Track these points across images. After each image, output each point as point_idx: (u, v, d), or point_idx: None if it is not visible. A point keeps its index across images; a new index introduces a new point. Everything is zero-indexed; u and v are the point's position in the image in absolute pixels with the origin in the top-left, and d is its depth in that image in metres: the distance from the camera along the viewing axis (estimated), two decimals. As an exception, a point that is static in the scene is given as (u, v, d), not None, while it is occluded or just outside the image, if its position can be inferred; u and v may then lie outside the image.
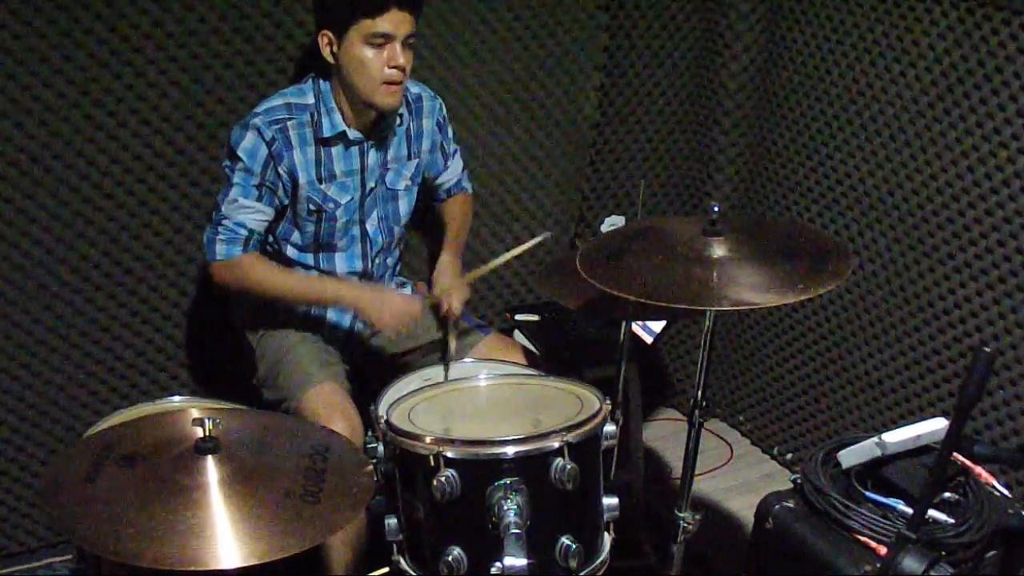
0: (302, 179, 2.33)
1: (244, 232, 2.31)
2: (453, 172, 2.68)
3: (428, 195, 2.67)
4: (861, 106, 2.75)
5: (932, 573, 1.68)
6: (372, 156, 2.42)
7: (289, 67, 2.62)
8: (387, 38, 2.22)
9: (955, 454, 1.87)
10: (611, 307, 2.26)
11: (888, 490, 1.94)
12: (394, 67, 2.24)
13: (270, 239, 2.44)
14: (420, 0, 2.28)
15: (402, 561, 1.95)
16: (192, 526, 1.53)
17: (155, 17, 2.43)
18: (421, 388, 2.10)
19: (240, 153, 2.27)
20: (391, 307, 2.34)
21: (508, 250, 2.52)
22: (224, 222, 2.30)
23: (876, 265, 2.80)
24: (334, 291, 2.41)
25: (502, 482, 1.80)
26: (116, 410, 2.22)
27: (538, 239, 2.48)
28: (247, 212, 2.31)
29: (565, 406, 1.98)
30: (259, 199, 2.31)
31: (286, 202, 2.37)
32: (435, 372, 2.30)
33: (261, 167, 2.29)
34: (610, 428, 1.94)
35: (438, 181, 2.66)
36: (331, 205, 2.39)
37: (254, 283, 2.36)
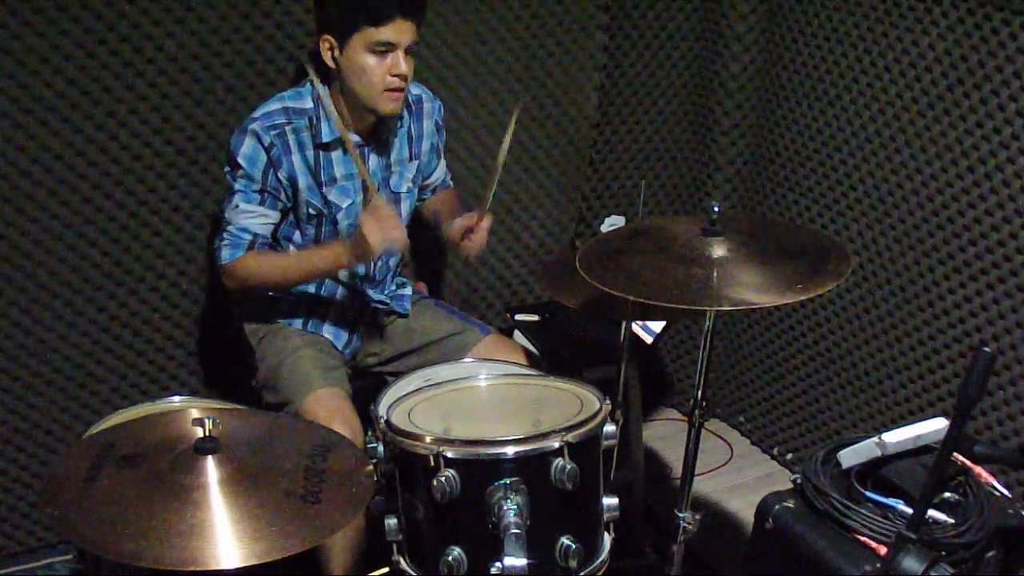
0: (301, 183, 2.33)
1: (248, 236, 2.32)
2: (441, 172, 2.68)
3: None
4: (861, 106, 2.75)
5: (932, 573, 1.67)
6: (373, 160, 2.42)
7: (289, 67, 2.62)
8: (390, 46, 2.22)
9: (955, 454, 1.87)
10: (611, 307, 2.26)
11: (888, 490, 1.95)
12: (396, 75, 2.24)
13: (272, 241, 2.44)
14: (423, 9, 2.27)
15: (402, 561, 1.95)
16: (192, 526, 1.53)
17: (155, 17, 2.43)
18: (421, 388, 2.09)
19: (240, 160, 2.27)
20: (370, 229, 2.21)
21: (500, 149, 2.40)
22: (228, 228, 2.31)
23: (876, 265, 2.80)
24: (330, 258, 2.34)
25: (502, 482, 1.80)
26: (116, 410, 2.22)
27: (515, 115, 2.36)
28: (250, 217, 2.31)
29: (565, 406, 1.98)
30: (261, 203, 2.31)
31: (289, 205, 2.37)
32: (435, 372, 2.30)
33: (261, 173, 2.29)
34: (610, 428, 1.94)
35: (427, 181, 2.65)
36: (332, 209, 2.39)
37: (260, 278, 2.36)
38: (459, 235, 2.41)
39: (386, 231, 2.22)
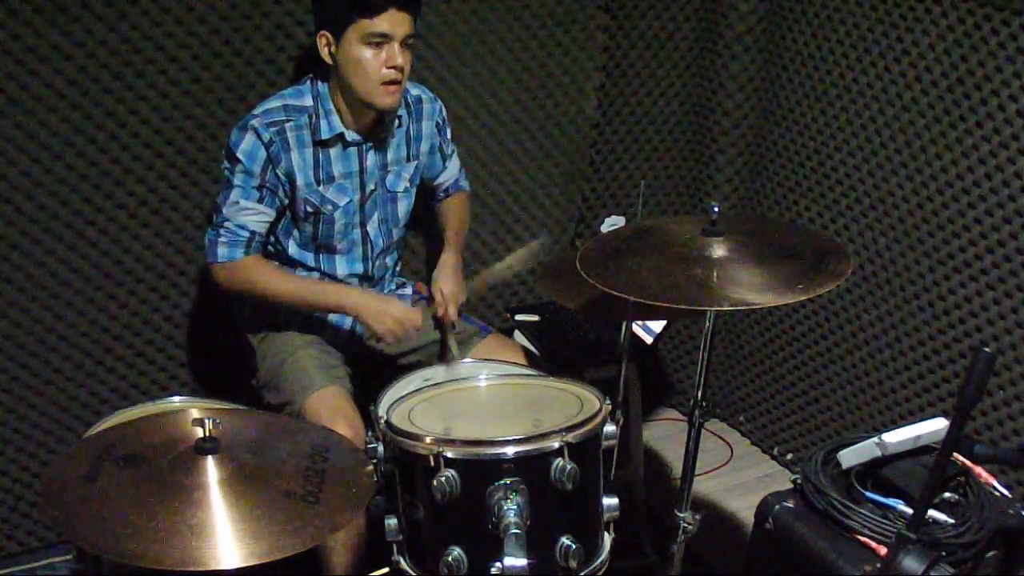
0: (300, 181, 2.33)
1: (246, 234, 2.31)
2: (451, 172, 2.68)
3: (426, 195, 2.67)
4: (861, 106, 2.75)
5: (932, 573, 1.68)
6: (371, 158, 2.42)
7: (289, 67, 2.62)
8: (385, 38, 2.22)
9: (955, 454, 1.87)
10: (611, 307, 2.26)
11: (888, 490, 1.95)
12: (392, 67, 2.24)
13: (271, 239, 2.43)
14: (418, 0, 2.27)
15: (402, 561, 1.95)
16: (192, 526, 1.53)
17: (155, 17, 2.43)
18: (421, 388, 2.09)
19: (239, 155, 2.27)
20: (392, 315, 2.32)
21: (506, 258, 2.51)
22: (226, 224, 2.30)
23: (876, 265, 2.80)
24: (336, 297, 2.40)
25: (502, 482, 1.80)
26: (116, 410, 2.22)
27: (534, 243, 2.47)
28: (248, 214, 2.30)
29: (565, 406, 1.98)
30: (260, 200, 2.31)
31: (286, 203, 2.37)
32: (435, 372, 2.30)
33: (260, 169, 2.29)
34: (610, 428, 1.94)
35: (437, 181, 2.66)
36: (329, 207, 2.39)
37: (256, 286, 2.36)
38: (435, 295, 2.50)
39: (398, 335, 2.33)
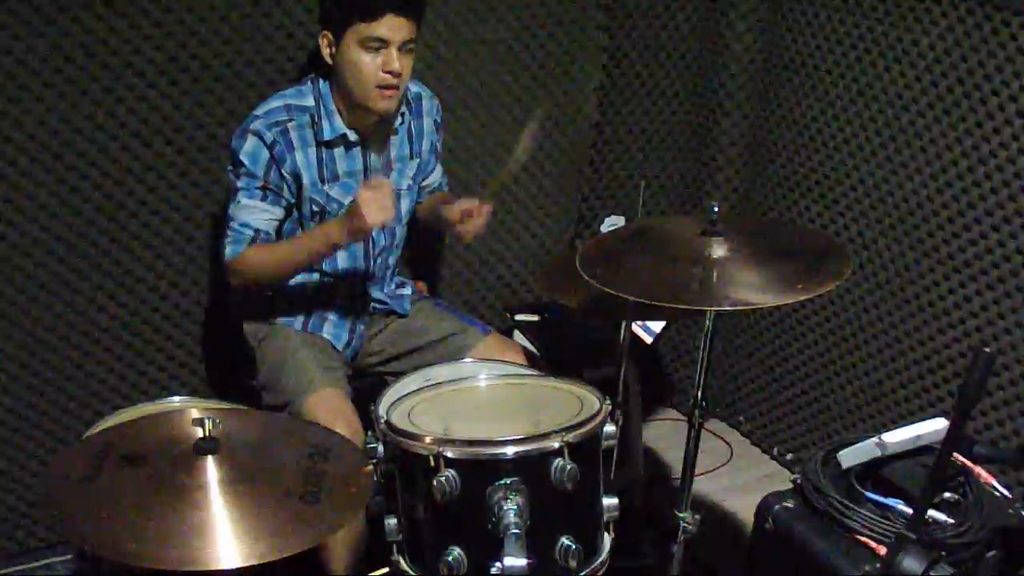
0: (305, 180, 2.33)
1: (250, 232, 2.31)
2: (438, 175, 2.68)
3: None
4: (861, 106, 2.75)
5: (932, 573, 1.67)
6: (374, 157, 2.42)
7: (289, 67, 2.62)
8: (383, 43, 2.21)
9: (955, 454, 1.87)
10: (611, 307, 2.26)
11: (888, 490, 1.95)
12: (388, 72, 2.23)
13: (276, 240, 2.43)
14: (418, 6, 2.26)
15: (402, 561, 1.95)
16: (192, 526, 1.53)
17: (155, 17, 2.43)
18: (421, 388, 2.09)
19: (242, 158, 2.27)
20: (367, 204, 2.17)
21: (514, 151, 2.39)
22: (231, 224, 2.31)
23: (876, 265, 2.80)
24: (324, 237, 2.29)
25: (502, 482, 1.80)
26: (116, 410, 2.22)
27: (532, 123, 2.37)
28: (252, 212, 2.30)
29: (565, 406, 1.98)
30: (263, 199, 2.31)
31: (292, 202, 2.36)
32: (435, 372, 2.30)
33: (264, 170, 2.29)
34: (610, 428, 1.94)
35: (425, 183, 2.65)
36: (335, 206, 2.38)
37: (260, 270, 2.33)
38: (458, 216, 2.39)
39: (385, 208, 2.18)
